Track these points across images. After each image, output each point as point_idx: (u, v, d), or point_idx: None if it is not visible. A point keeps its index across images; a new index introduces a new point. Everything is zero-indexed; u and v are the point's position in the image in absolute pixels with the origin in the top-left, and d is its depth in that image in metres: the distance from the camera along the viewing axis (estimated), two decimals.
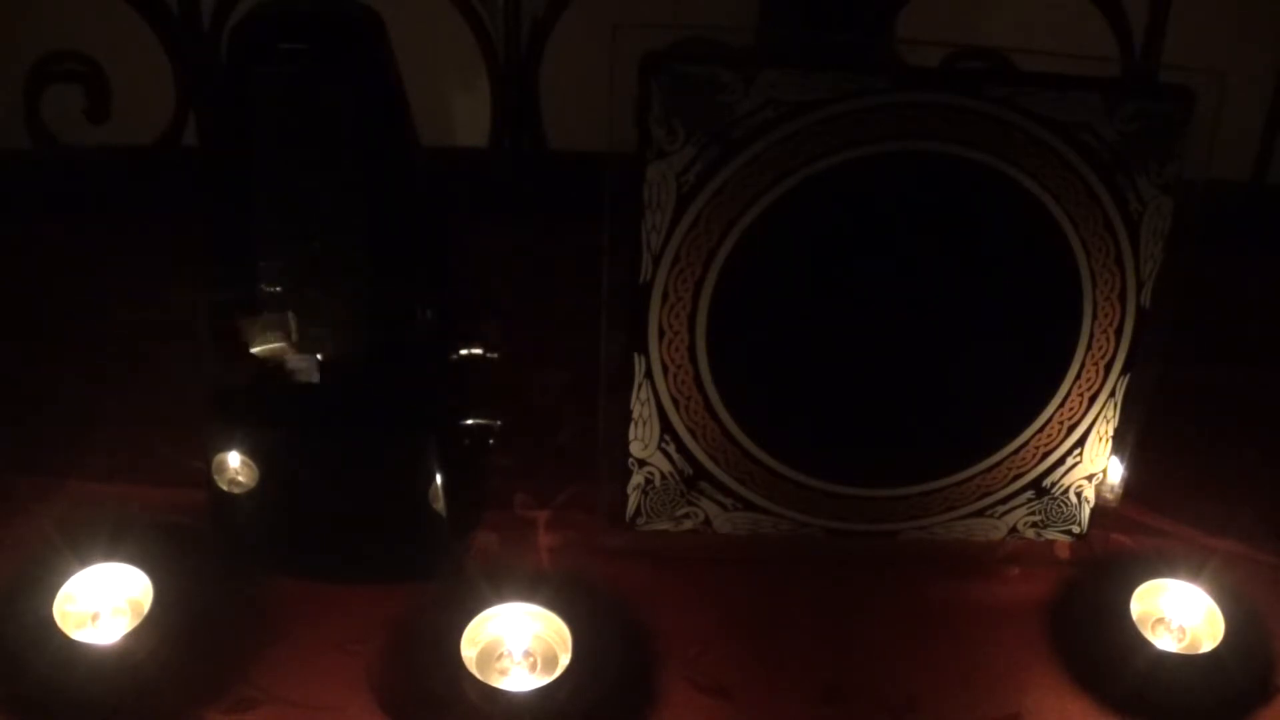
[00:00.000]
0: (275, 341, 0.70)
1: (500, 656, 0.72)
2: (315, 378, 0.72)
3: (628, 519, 0.79)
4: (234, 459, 0.74)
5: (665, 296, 0.72)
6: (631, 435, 0.76)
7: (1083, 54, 0.70)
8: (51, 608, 0.71)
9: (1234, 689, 0.73)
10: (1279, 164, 1.11)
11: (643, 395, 0.75)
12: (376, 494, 0.77)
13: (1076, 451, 0.79)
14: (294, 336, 0.71)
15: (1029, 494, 0.80)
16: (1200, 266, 0.73)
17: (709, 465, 0.78)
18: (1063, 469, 0.80)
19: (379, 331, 0.72)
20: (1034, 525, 0.82)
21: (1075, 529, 0.82)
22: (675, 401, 0.75)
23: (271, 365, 0.72)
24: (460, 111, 1.10)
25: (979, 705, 0.73)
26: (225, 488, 0.75)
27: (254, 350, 0.71)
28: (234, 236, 0.70)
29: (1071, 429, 0.78)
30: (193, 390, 0.75)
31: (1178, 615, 0.76)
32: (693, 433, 0.77)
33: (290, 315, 0.71)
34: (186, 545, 0.77)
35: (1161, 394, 0.78)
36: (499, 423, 0.80)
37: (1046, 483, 0.80)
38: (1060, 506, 0.81)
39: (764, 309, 0.73)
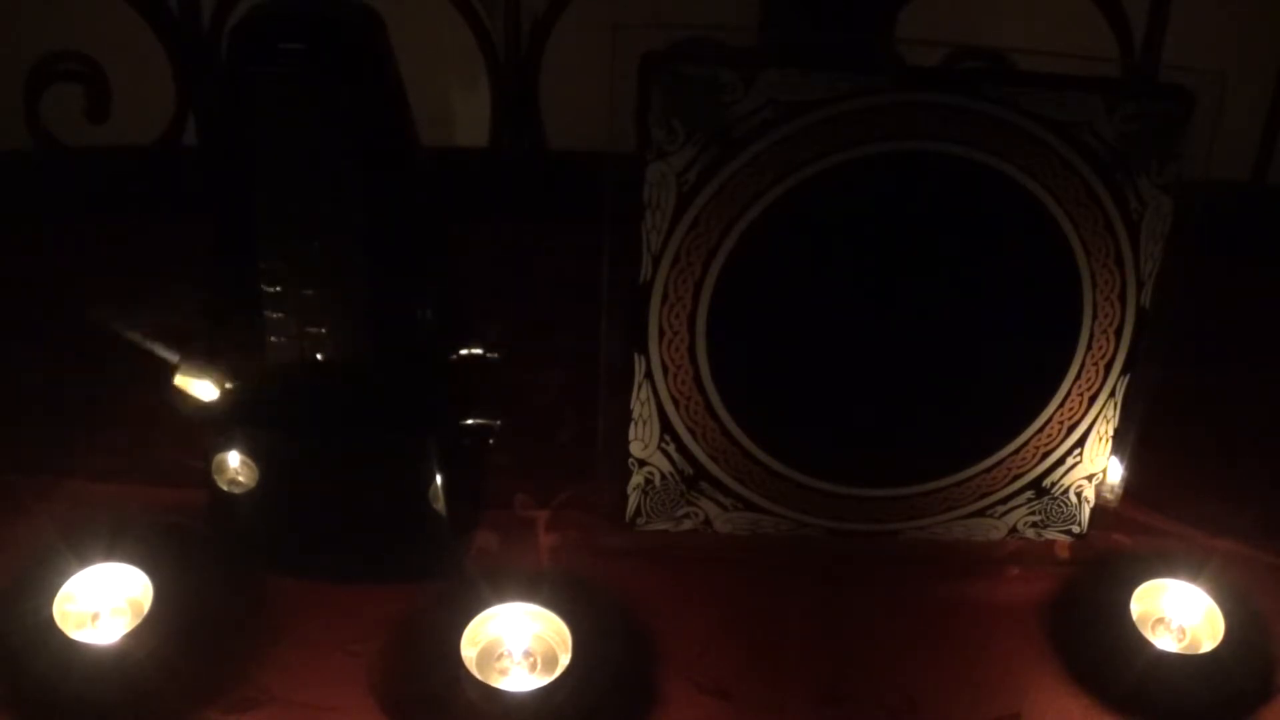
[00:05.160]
0: (199, 391, 0.71)
1: (500, 656, 0.72)
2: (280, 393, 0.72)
3: (628, 519, 0.79)
4: (234, 459, 0.74)
5: (665, 296, 0.72)
6: (631, 435, 0.76)
7: (1083, 54, 0.70)
8: (51, 608, 0.71)
9: (1234, 689, 0.73)
10: (1279, 164, 1.11)
11: (643, 395, 0.75)
12: (376, 494, 0.77)
13: (1076, 451, 0.79)
14: (223, 383, 0.72)
15: (1029, 494, 0.80)
16: (1200, 266, 0.73)
17: (709, 465, 0.78)
18: (1063, 469, 0.80)
19: (379, 331, 0.72)
20: (1034, 525, 0.82)
21: (1075, 529, 0.82)
22: (675, 401, 0.75)
23: (270, 366, 0.72)
24: (460, 111, 1.10)
25: (979, 705, 0.73)
26: (225, 488, 0.75)
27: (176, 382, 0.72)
28: (234, 236, 0.70)
29: (1071, 429, 0.78)
30: None
31: (1178, 615, 0.76)
32: (693, 433, 0.77)
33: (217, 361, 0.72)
34: (186, 545, 0.77)
35: (1161, 394, 0.78)
36: (499, 423, 0.80)
37: (1046, 483, 0.80)
38: (1060, 506, 0.81)
39: (764, 309, 0.73)
